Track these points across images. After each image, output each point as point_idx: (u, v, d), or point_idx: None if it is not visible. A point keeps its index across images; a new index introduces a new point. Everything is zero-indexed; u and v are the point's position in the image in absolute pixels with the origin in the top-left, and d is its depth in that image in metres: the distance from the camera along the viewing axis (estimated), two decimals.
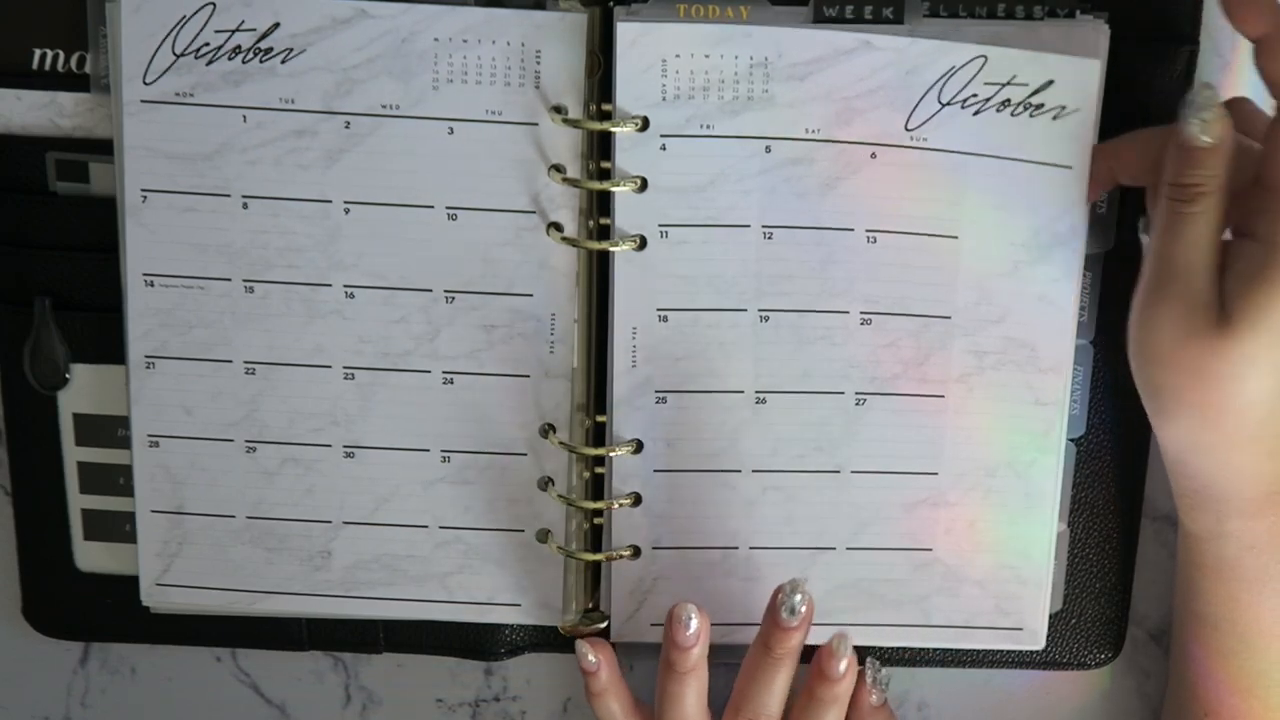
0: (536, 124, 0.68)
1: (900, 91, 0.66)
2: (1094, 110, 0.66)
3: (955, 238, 0.68)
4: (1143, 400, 0.65)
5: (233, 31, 0.67)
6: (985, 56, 0.66)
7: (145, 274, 0.69)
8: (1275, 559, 0.65)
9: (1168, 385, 0.63)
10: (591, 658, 0.70)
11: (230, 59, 0.67)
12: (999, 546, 0.71)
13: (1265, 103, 0.63)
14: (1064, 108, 0.66)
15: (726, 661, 0.75)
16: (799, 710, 0.70)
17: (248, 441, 0.71)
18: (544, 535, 0.72)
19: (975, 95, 0.66)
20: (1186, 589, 0.69)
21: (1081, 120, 0.66)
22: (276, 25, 0.67)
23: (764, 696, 0.69)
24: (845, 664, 0.68)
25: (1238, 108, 0.64)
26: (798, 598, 0.67)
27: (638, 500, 0.71)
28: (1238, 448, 0.63)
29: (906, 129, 0.67)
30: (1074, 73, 0.66)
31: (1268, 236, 0.60)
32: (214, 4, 0.67)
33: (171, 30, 0.67)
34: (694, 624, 0.68)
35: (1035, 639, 0.72)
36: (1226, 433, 0.63)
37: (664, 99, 0.66)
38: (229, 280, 0.69)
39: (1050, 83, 0.66)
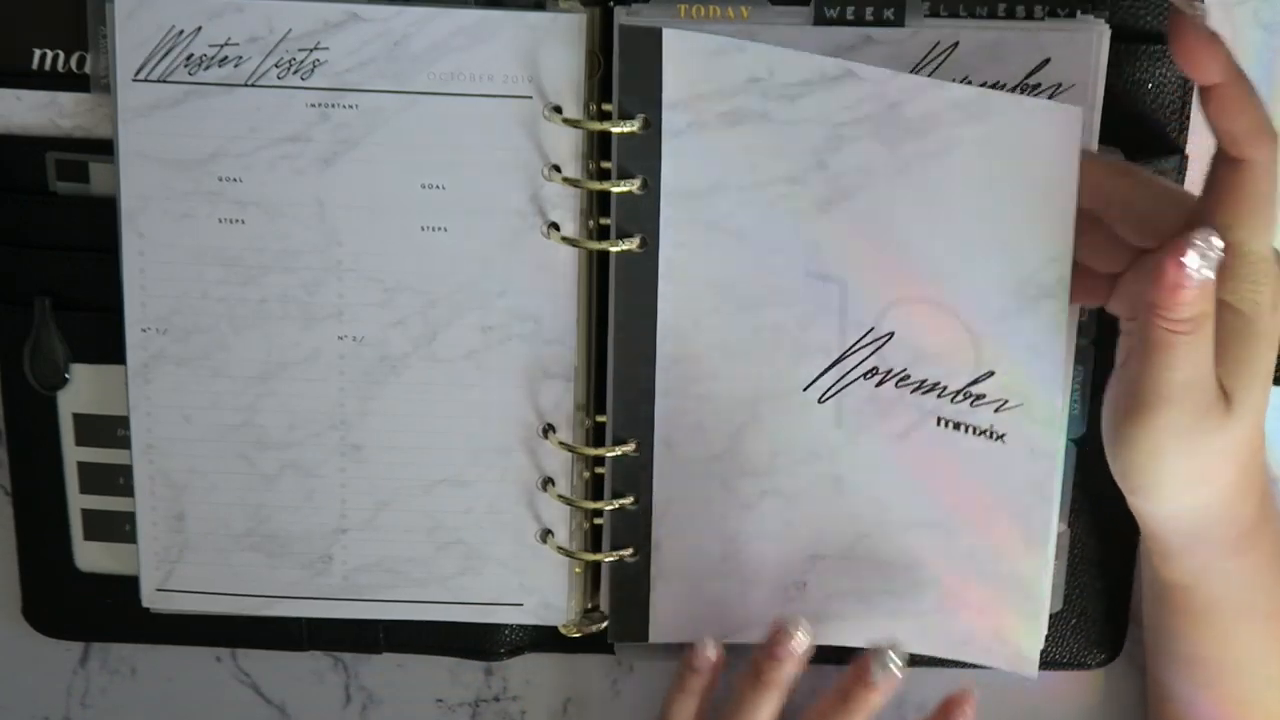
0: (534, 124, 0.68)
1: (885, 126, 0.65)
2: (1097, 103, 0.66)
3: (944, 279, 0.67)
4: (1127, 491, 0.64)
5: (226, 37, 0.67)
6: (983, 42, 0.66)
7: (143, 281, 0.69)
8: (1259, 591, 0.66)
9: (1171, 476, 0.61)
10: (711, 652, 0.70)
11: (224, 65, 0.67)
12: (998, 579, 0.70)
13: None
14: (1059, 85, 0.66)
15: (727, 662, 0.75)
16: (822, 711, 0.70)
17: (248, 447, 0.71)
18: (545, 535, 0.72)
19: (973, 81, 0.66)
20: (1164, 636, 0.70)
21: (1065, 173, 0.65)
22: (269, 30, 0.67)
23: None
24: (887, 673, 0.68)
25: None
26: (800, 637, 0.68)
27: (636, 501, 0.71)
28: (1226, 501, 0.63)
29: (892, 163, 0.65)
30: (1070, 48, 0.66)
31: (1240, 300, 0.59)
32: (207, 10, 0.67)
33: (165, 38, 0.67)
34: (801, 638, 0.68)
35: (1030, 667, 0.71)
36: (1218, 490, 0.62)
37: (665, 102, 0.66)
38: (226, 285, 0.69)
39: (1047, 61, 0.66)
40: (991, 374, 0.67)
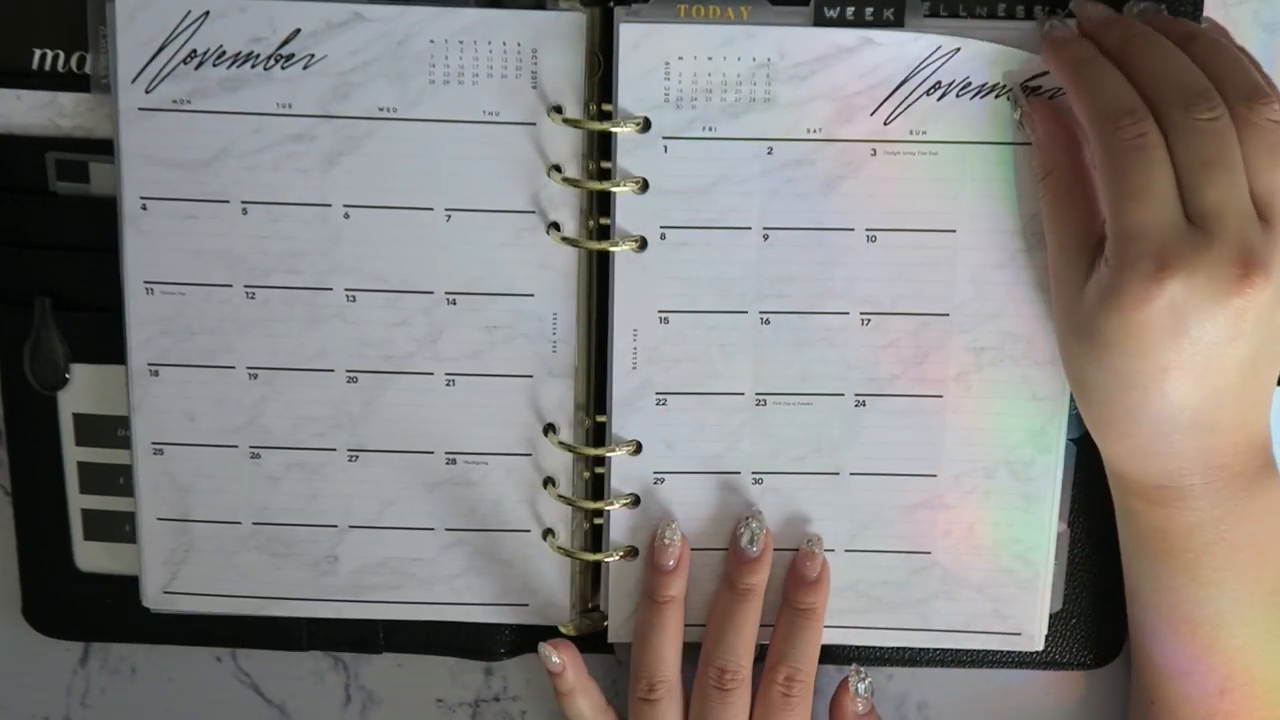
0: (535, 124, 0.68)
1: (901, 86, 0.66)
2: None
3: (954, 231, 0.68)
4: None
5: (228, 38, 0.67)
6: (984, 47, 0.66)
7: (146, 281, 0.69)
8: (1182, 548, 0.66)
9: (1062, 354, 0.66)
10: (555, 659, 0.71)
11: (226, 65, 0.67)
12: (997, 550, 0.71)
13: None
14: (1060, 89, 0.66)
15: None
16: (781, 631, 0.71)
17: (252, 447, 0.71)
18: (547, 535, 0.72)
19: (973, 83, 0.66)
20: (1124, 565, 0.71)
21: (1017, 92, 0.66)
22: (272, 31, 0.67)
23: (732, 639, 0.70)
24: (820, 564, 0.71)
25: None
26: (755, 525, 0.70)
27: (637, 501, 0.71)
28: (1115, 438, 0.65)
29: (905, 124, 0.67)
30: None
31: (1111, 261, 0.61)
32: (209, 10, 0.66)
33: (167, 37, 0.67)
34: (676, 546, 0.70)
35: (1033, 642, 0.72)
36: (1101, 420, 0.65)
37: (666, 100, 0.66)
38: (230, 286, 0.69)
39: (1047, 72, 0.66)
40: (998, 322, 0.69)
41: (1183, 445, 0.63)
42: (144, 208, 0.68)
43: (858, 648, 0.74)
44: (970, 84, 0.66)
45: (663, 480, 0.71)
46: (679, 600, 0.71)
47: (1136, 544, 0.68)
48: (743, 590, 0.70)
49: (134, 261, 0.69)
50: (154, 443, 0.71)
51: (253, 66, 0.67)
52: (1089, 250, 0.63)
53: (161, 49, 0.67)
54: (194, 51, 0.67)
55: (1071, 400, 0.70)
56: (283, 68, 0.67)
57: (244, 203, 0.68)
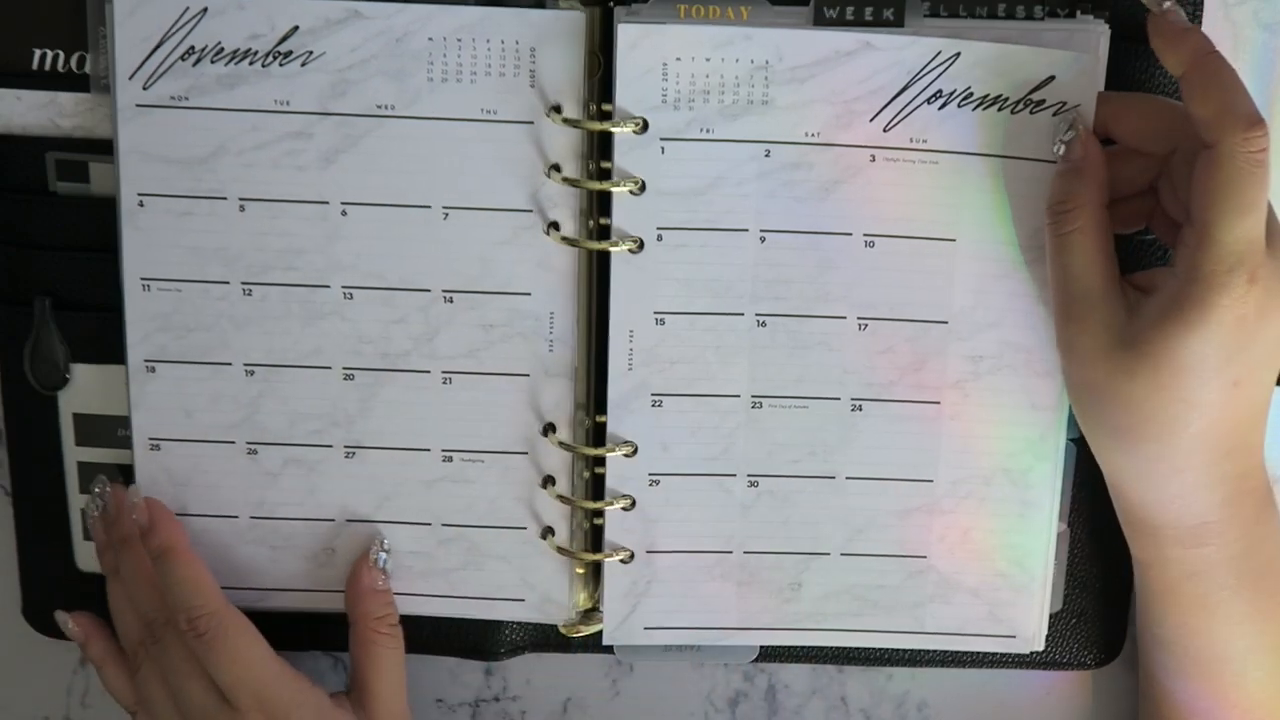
0: (533, 123, 0.68)
1: (901, 93, 0.66)
2: (1093, 107, 0.66)
3: (953, 240, 0.68)
4: (1079, 417, 0.66)
5: (226, 35, 0.67)
6: (985, 54, 0.66)
7: (143, 278, 0.69)
8: (1217, 586, 0.65)
9: (1089, 408, 0.65)
10: (72, 626, 0.72)
11: (224, 62, 0.67)
12: (994, 554, 0.71)
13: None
14: (1064, 104, 0.66)
15: (727, 662, 0.75)
16: None
17: (249, 443, 0.71)
18: (546, 534, 0.72)
19: (974, 93, 0.66)
20: (1143, 612, 0.70)
21: (1081, 117, 0.66)
22: (271, 28, 0.67)
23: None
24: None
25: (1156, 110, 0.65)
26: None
27: (634, 503, 0.71)
28: (1165, 477, 0.63)
29: (905, 130, 0.67)
30: (1074, 69, 0.66)
31: (1184, 271, 0.60)
32: (207, 7, 0.67)
33: (165, 35, 0.67)
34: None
35: (1028, 646, 0.72)
36: (1151, 461, 0.63)
37: (664, 101, 0.66)
38: (227, 283, 0.69)
39: (1051, 79, 0.66)
40: (996, 332, 0.69)
41: (1229, 469, 0.63)
42: (141, 204, 0.69)
43: (855, 649, 0.74)
44: (972, 94, 0.66)
45: (658, 482, 0.70)
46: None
47: (1165, 592, 0.67)
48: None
49: (132, 258, 0.69)
50: (151, 438, 0.71)
51: (251, 63, 0.67)
52: (1111, 289, 0.63)
53: (159, 45, 0.67)
54: (192, 48, 0.67)
55: (1069, 400, 0.70)
56: (281, 65, 0.67)
57: (242, 200, 0.68)
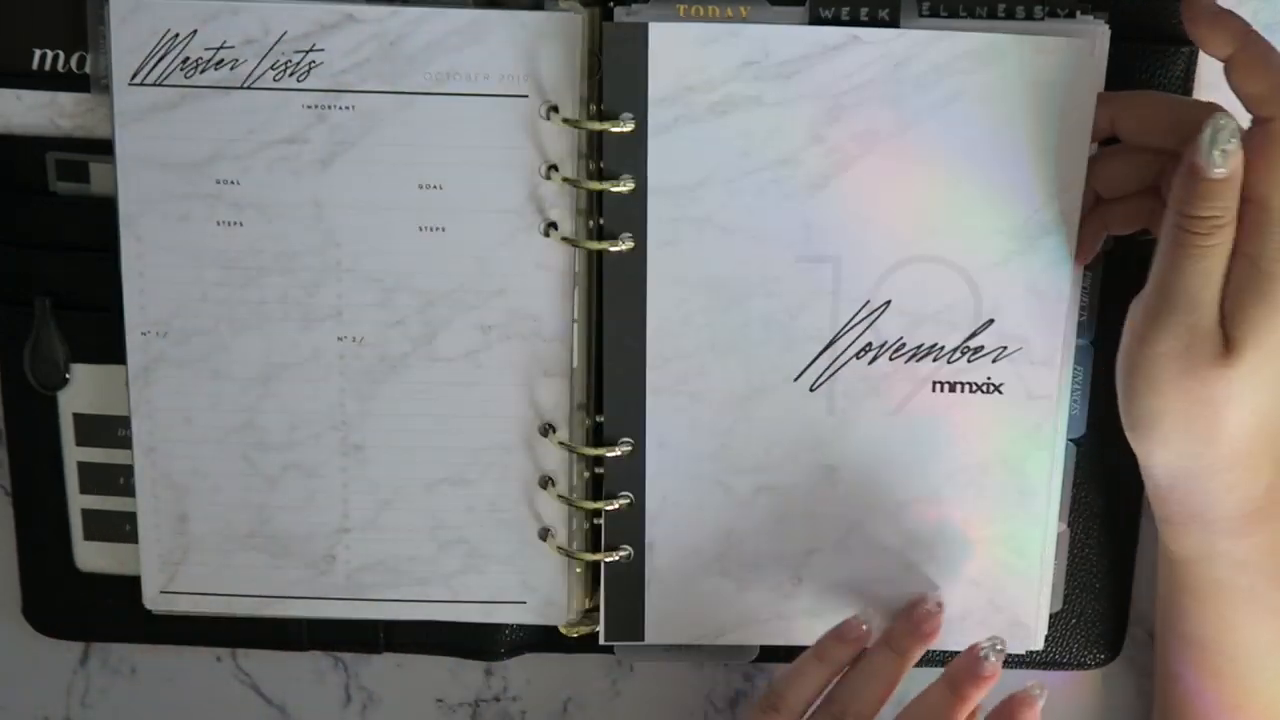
0: (532, 124, 0.68)
1: (889, 86, 0.66)
2: (1090, 102, 0.66)
3: (947, 231, 0.68)
4: (1128, 427, 0.64)
5: (222, 40, 0.67)
6: (974, 44, 0.66)
7: (142, 284, 0.69)
8: (1263, 577, 0.65)
9: (1166, 413, 0.62)
10: (865, 626, 0.70)
11: (220, 67, 0.67)
12: (993, 545, 0.71)
13: None
14: (1058, 85, 0.66)
15: (727, 661, 0.75)
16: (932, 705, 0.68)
17: (249, 448, 0.71)
18: (545, 534, 0.72)
19: (963, 85, 0.66)
20: (1172, 613, 0.69)
21: (1079, 106, 0.66)
22: (266, 32, 0.67)
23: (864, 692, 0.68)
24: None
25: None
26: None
27: (632, 502, 0.71)
28: (1228, 469, 0.63)
29: (896, 123, 0.67)
30: (1074, 68, 0.65)
31: (1258, 254, 0.60)
32: (202, 13, 0.67)
33: (160, 40, 0.67)
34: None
35: (1031, 636, 0.72)
36: (1220, 455, 0.63)
37: (650, 98, 0.66)
38: (226, 288, 0.69)
39: (1048, 72, 0.66)
40: (991, 322, 0.68)
41: (1277, 451, 0.63)
42: (140, 209, 0.69)
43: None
44: (962, 87, 0.66)
45: (656, 480, 0.70)
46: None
47: (1209, 587, 0.66)
48: (907, 655, 0.69)
49: (130, 264, 0.69)
50: (151, 444, 0.71)
51: (247, 68, 0.67)
52: (1214, 304, 0.61)
53: (155, 51, 0.67)
54: (188, 53, 0.67)
55: (1070, 401, 0.70)
56: (276, 69, 0.67)
57: (239, 204, 0.68)
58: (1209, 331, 0.61)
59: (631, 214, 0.68)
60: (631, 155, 0.67)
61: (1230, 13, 0.62)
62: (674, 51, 0.66)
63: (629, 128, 0.66)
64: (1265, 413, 0.61)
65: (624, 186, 0.67)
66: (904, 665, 0.69)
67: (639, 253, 0.68)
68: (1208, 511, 0.64)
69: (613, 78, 0.66)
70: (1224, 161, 0.58)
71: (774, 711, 0.68)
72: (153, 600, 0.73)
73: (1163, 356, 0.61)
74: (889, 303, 0.68)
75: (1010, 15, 0.67)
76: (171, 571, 0.73)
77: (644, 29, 0.65)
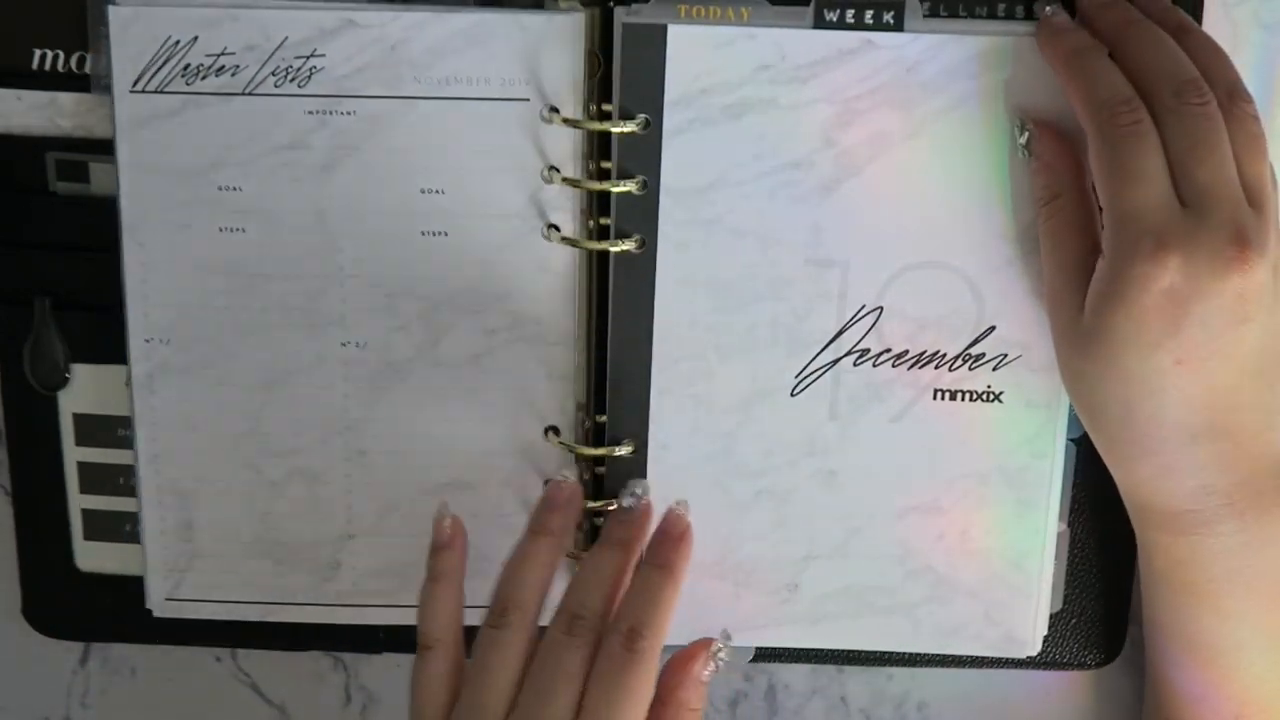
0: (533, 125, 0.68)
1: (900, 89, 0.66)
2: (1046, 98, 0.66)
3: (951, 236, 0.68)
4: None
5: (223, 46, 0.67)
6: (985, 52, 0.66)
7: (145, 291, 0.69)
8: (1206, 577, 0.65)
9: (1072, 396, 0.66)
10: (449, 523, 0.67)
11: (221, 74, 0.67)
12: (991, 555, 0.71)
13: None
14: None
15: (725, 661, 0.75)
16: (635, 586, 0.65)
17: (254, 454, 0.71)
18: None
19: (973, 89, 0.66)
20: (1144, 596, 0.70)
21: (1029, 114, 0.66)
22: (266, 38, 0.67)
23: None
24: (686, 525, 0.66)
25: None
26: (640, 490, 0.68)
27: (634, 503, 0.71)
28: (1136, 460, 0.64)
29: (905, 126, 0.67)
30: (1031, 63, 0.66)
31: (1108, 253, 0.61)
32: (203, 20, 0.67)
33: (161, 47, 0.67)
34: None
35: (1025, 648, 0.72)
36: (1120, 444, 0.64)
37: (666, 100, 0.66)
38: (229, 294, 0.69)
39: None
40: (993, 329, 0.68)
41: (1203, 456, 0.62)
42: (142, 216, 0.69)
43: (850, 650, 0.74)
44: (971, 91, 0.66)
45: (658, 481, 0.70)
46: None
47: (1158, 578, 0.67)
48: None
49: (133, 271, 0.69)
50: (155, 452, 0.71)
51: (248, 74, 0.67)
52: (1088, 273, 0.63)
53: (156, 58, 0.67)
54: (189, 59, 0.67)
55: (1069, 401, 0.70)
56: (277, 74, 0.67)
57: (241, 210, 0.68)
58: (1071, 313, 0.64)
59: (641, 215, 0.68)
60: (644, 156, 0.67)
61: (1074, 29, 0.65)
62: (691, 54, 0.66)
63: (633, 128, 0.66)
64: (1157, 413, 0.62)
65: (628, 187, 0.67)
66: (666, 574, 0.65)
67: (648, 253, 0.68)
68: (1133, 500, 0.66)
69: (628, 78, 0.66)
70: (1026, 148, 0.66)
71: (502, 615, 0.65)
72: (159, 606, 0.73)
73: (1056, 340, 0.66)
74: (893, 308, 0.68)
75: (1011, 15, 0.67)
76: (177, 579, 0.73)
77: (663, 30, 0.65)
